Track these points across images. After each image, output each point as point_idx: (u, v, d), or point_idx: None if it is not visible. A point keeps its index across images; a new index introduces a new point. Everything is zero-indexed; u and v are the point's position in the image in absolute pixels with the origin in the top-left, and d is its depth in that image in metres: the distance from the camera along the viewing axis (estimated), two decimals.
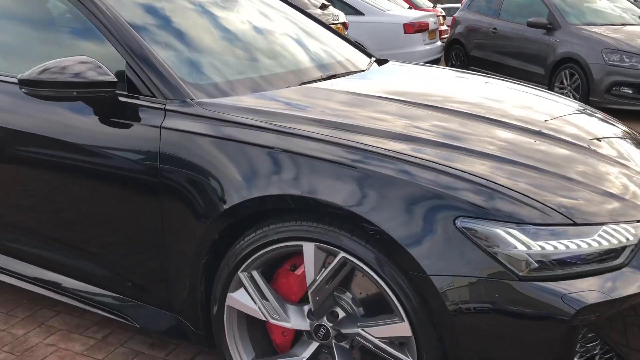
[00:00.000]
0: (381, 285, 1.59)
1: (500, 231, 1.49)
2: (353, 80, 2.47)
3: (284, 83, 2.25)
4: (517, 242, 1.48)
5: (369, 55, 3.08)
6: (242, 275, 1.78)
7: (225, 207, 1.74)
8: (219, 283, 1.84)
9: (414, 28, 8.06)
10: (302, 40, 2.84)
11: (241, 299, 1.81)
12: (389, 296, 1.59)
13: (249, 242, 1.75)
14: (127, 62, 1.99)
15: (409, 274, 1.54)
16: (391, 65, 2.93)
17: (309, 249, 1.67)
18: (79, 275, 2.22)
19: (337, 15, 6.97)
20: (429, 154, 1.66)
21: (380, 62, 3.01)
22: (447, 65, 9.46)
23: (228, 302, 1.83)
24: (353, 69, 2.63)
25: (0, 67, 2.29)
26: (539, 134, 1.96)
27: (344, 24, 6.99)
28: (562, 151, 1.87)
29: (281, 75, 2.32)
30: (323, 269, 1.68)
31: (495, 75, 3.52)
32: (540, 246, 1.48)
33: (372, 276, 1.60)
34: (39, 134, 2.09)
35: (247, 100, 2.00)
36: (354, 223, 1.59)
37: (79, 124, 2.02)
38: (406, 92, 2.37)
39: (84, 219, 2.08)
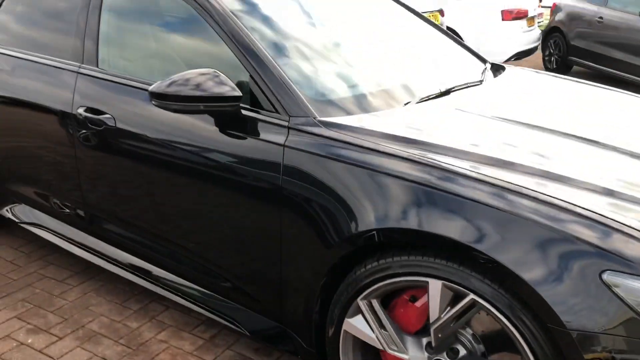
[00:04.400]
0: (512, 332, 1.53)
1: None
2: (474, 95, 2.36)
3: (402, 98, 2.18)
4: None
5: (483, 60, 2.95)
6: (362, 303, 1.77)
7: (350, 234, 1.72)
8: (336, 307, 1.83)
9: (513, 15, 7.69)
10: (410, 45, 2.75)
11: (358, 325, 1.80)
12: (520, 343, 1.52)
13: (370, 271, 1.73)
14: (251, 76, 2.00)
15: (547, 326, 1.47)
16: (510, 74, 2.79)
17: (435, 286, 1.62)
18: (192, 277, 2.30)
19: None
20: (588, 201, 1.53)
21: (494, 66, 2.89)
22: (544, 55, 8.99)
23: (345, 327, 1.83)
24: (469, 80, 2.52)
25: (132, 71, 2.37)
26: None
27: (440, 11, 6.77)
28: None
29: (396, 90, 2.24)
30: (449, 308, 1.64)
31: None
32: None
33: (502, 321, 1.54)
34: (160, 137, 2.16)
35: (370, 121, 1.95)
36: (489, 268, 1.53)
37: (200, 132, 2.06)
38: (537, 112, 2.24)
39: (201, 224, 2.14)
